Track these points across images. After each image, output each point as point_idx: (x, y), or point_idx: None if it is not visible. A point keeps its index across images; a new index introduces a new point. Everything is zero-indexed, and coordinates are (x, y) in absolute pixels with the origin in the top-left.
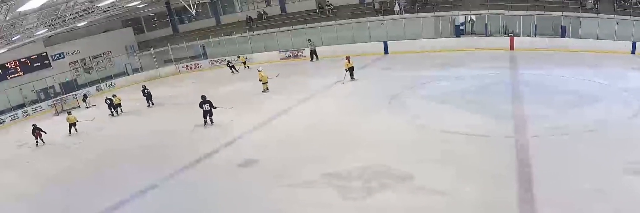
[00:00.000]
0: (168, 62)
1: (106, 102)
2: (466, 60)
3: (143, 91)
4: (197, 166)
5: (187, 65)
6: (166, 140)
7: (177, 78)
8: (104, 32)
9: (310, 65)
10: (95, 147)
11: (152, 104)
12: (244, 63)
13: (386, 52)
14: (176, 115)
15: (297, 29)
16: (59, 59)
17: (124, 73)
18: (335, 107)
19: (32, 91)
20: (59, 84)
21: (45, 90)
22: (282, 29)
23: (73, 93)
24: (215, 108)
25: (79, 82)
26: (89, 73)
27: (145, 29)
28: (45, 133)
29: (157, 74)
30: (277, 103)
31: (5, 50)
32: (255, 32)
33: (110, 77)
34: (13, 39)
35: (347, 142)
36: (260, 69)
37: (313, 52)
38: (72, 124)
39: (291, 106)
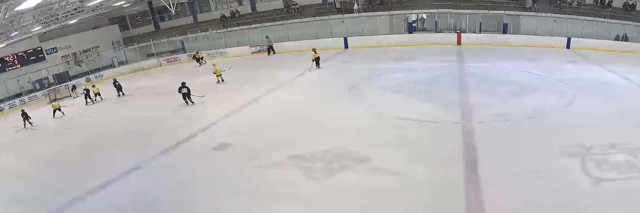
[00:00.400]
0: (150, 55)
1: (83, 92)
2: (418, 54)
3: (114, 83)
4: (176, 149)
5: (167, 59)
6: (149, 126)
7: (158, 70)
8: (93, 28)
9: (277, 59)
10: (84, 132)
11: (123, 94)
12: (200, 59)
13: (346, 46)
14: (158, 103)
15: (266, 26)
16: (52, 53)
17: (111, 65)
18: (300, 97)
19: (28, 82)
20: (53, 76)
21: (40, 81)
22: (252, 26)
23: (65, 83)
24: (191, 95)
25: (71, 73)
26: (80, 65)
27: (129, 26)
28: (30, 118)
29: (140, 67)
30: (248, 93)
31: (4, 45)
32: (229, 29)
33: (98, 69)
34: (11, 35)
35: (311, 127)
36: (214, 63)
37: (270, 48)
38: (57, 109)
39: (261, 95)
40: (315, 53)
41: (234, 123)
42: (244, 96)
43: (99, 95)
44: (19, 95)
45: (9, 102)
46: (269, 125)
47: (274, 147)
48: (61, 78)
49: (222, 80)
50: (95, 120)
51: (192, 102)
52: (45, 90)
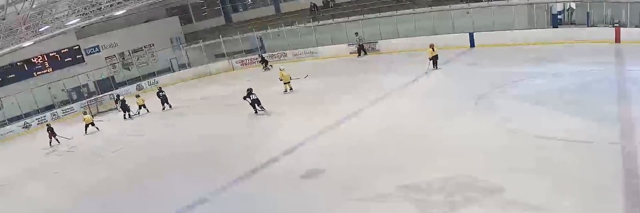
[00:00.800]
0: (220, 56)
1: (116, 105)
2: (565, 55)
3: (158, 94)
4: (253, 177)
5: (242, 61)
6: (217, 147)
7: (230, 75)
8: (145, 22)
9: (383, 61)
10: (134, 154)
11: (170, 106)
12: (266, 63)
13: (472, 45)
14: (229, 118)
15: (369, 18)
16: (93, 53)
17: (169, 69)
18: (412, 109)
19: (62, 90)
20: (94, 82)
21: (77, 89)
22: (351, 18)
23: (109, 92)
24: (260, 104)
25: (117, 79)
26: (129, 69)
27: (193, 18)
28: (56, 135)
29: (207, 71)
30: (346, 104)
31: (32, 42)
32: (321, 22)
33: (152, 74)
34: (40, 29)
35: (427, 148)
36: (282, 67)
37: (361, 47)
38: (89, 124)
39: (362, 107)
40: (433, 50)
41: (327, 143)
42: (341, 108)
43: (144, 107)
44: (50, 107)
45: (38, 117)
46: (372, 145)
47: (379, 173)
48: (105, 85)
49: (291, 89)
50: (148, 139)
51: (263, 109)
52: (84, 101)
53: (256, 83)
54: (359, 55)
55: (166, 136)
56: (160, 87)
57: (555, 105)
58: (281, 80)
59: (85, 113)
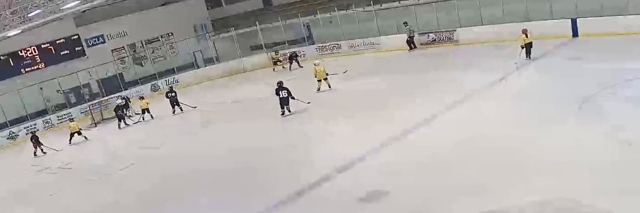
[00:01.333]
0: (257, 49)
1: (116, 110)
2: None
3: (167, 94)
4: (298, 200)
5: (284, 54)
6: (253, 162)
7: (269, 72)
8: (162, 5)
9: (462, 54)
10: (148, 172)
11: (181, 110)
12: (277, 61)
13: (575, 34)
14: (267, 126)
15: (445, 0)
16: (96, 44)
17: (192, 65)
18: (499, 115)
19: (57, 91)
20: (97, 81)
21: (76, 90)
22: (422, 0)
23: (117, 94)
24: (293, 98)
25: (126, 78)
26: (141, 65)
27: (222, 0)
28: (42, 144)
29: (240, 67)
30: (416, 109)
31: (19, 31)
32: (384, 5)
33: (172, 71)
34: (30, 14)
35: (517, 164)
36: (316, 62)
37: (410, 40)
38: (75, 133)
39: (436, 113)
40: (527, 37)
41: (392, 159)
42: (409, 114)
43: (148, 112)
44: (43, 113)
45: (26, 125)
46: (448, 161)
47: (457, 196)
48: (111, 85)
49: (329, 87)
50: (165, 153)
51: (289, 111)
52: (84, 105)
53: (301, 83)
54: (411, 48)
55: (188, 149)
56: (171, 87)
57: None
58: (315, 77)
59: (71, 120)
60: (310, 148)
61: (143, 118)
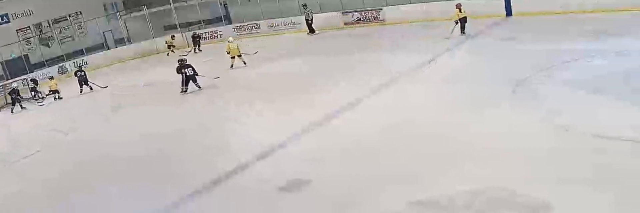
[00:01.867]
0: (170, 29)
1: (11, 94)
2: (633, 27)
3: (76, 73)
4: (215, 190)
5: (199, 35)
6: (166, 149)
7: (183, 53)
8: None
9: (388, 34)
10: (56, 159)
11: (91, 89)
12: (171, 46)
13: (508, 13)
14: (182, 110)
15: None
16: (1, 24)
17: (102, 46)
18: (428, 99)
19: None
20: (1, 63)
21: None
22: None
23: (22, 77)
24: (198, 75)
25: (32, 59)
26: (48, 46)
27: None
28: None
29: (152, 48)
30: (339, 93)
31: None
32: None
33: (80, 52)
34: None
35: (448, 152)
36: (230, 39)
37: (309, 23)
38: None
39: (361, 97)
40: (461, 11)
41: (314, 145)
42: (332, 98)
43: (57, 92)
44: None
45: None
46: (375, 148)
47: (384, 185)
48: (16, 67)
49: (244, 64)
50: (74, 139)
51: (199, 88)
52: None
53: (218, 65)
54: (310, 32)
55: (98, 134)
56: (80, 66)
57: (619, 93)
58: (228, 53)
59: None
60: (227, 134)
61: (43, 98)
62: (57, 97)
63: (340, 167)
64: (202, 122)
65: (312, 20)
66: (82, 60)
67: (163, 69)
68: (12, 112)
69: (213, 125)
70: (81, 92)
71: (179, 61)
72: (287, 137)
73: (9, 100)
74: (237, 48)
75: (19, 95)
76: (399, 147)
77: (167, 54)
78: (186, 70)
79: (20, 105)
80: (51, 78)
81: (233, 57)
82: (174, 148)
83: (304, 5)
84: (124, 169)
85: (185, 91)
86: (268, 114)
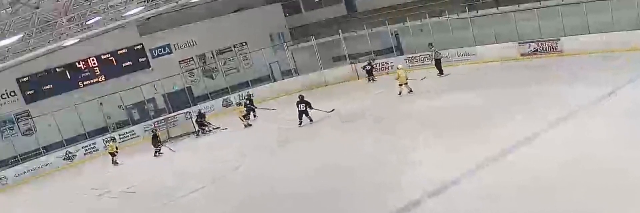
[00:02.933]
0: (339, 60)
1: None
2: None
3: (245, 103)
4: None
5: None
6: (335, 185)
7: (354, 85)
8: (235, 11)
9: (566, 66)
10: (223, 195)
11: (204, 132)
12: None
13: None
14: (352, 145)
15: (548, 6)
16: (162, 54)
17: (268, 77)
18: (609, 133)
19: (119, 107)
20: (163, 96)
21: (140, 105)
22: (522, 6)
23: (186, 110)
24: (312, 109)
25: (195, 92)
26: (212, 78)
27: (302, 6)
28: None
29: (321, 80)
30: (515, 127)
31: (77, 40)
32: (480, 12)
33: (245, 84)
34: (89, 22)
35: (628, 188)
36: (399, 66)
37: (437, 63)
38: (112, 154)
39: (538, 131)
40: None
41: (489, 182)
42: (507, 133)
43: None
44: (102, 130)
45: (84, 144)
46: (552, 184)
47: None
48: (179, 100)
49: (411, 91)
50: (241, 173)
51: (311, 121)
52: (149, 122)
53: (390, 97)
54: (441, 74)
55: (266, 169)
56: (250, 95)
57: None
58: (397, 80)
59: (113, 140)
60: (399, 170)
61: (210, 130)
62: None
63: (516, 204)
64: (371, 157)
65: (440, 60)
66: (247, 92)
67: (334, 102)
68: (197, 135)
69: (383, 160)
70: (196, 134)
71: (299, 96)
72: (461, 173)
73: (180, 132)
74: (405, 75)
75: (204, 119)
76: (578, 183)
77: (369, 80)
78: (300, 106)
79: (202, 130)
80: (239, 104)
81: (400, 85)
82: (343, 184)
83: (430, 44)
84: (291, 207)
85: (300, 124)
86: (439, 149)
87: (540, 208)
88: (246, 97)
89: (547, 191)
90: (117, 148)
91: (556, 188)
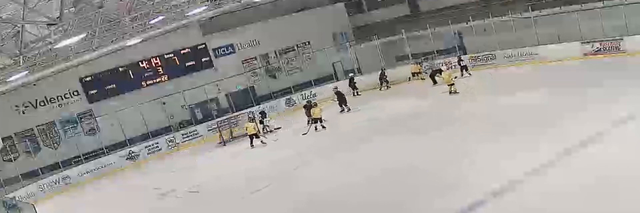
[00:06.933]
0: (402, 59)
1: (259, 120)
2: None
3: (261, 114)
4: None
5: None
6: (399, 184)
7: (416, 86)
8: (298, 11)
9: (629, 65)
10: (283, 195)
11: (348, 109)
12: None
13: None
14: (419, 144)
15: (611, 6)
16: (225, 54)
17: (331, 77)
18: None
19: (182, 107)
20: (226, 95)
21: (203, 105)
22: (585, 6)
23: (249, 109)
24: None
25: (258, 92)
26: (275, 77)
27: (365, 6)
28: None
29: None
30: (582, 125)
31: (140, 40)
32: (544, 11)
33: (308, 84)
34: (152, 21)
35: None
36: (444, 68)
37: (434, 73)
38: (253, 135)
39: (602, 131)
40: None
41: (556, 181)
42: (574, 131)
43: (320, 121)
44: (166, 130)
45: (147, 143)
46: (625, 184)
47: None
48: (242, 100)
49: (456, 92)
50: (310, 172)
51: (324, 127)
52: (212, 122)
53: (455, 96)
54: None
55: (324, 173)
56: (309, 101)
57: None
58: (444, 80)
59: (252, 120)
60: (462, 168)
61: (317, 128)
62: (322, 126)
63: (584, 205)
64: (436, 156)
65: (441, 70)
66: (311, 92)
67: (397, 101)
68: (261, 134)
69: (448, 159)
70: (341, 111)
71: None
72: (525, 172)
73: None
74: (451, 77)
75: (265, 117)
76: None
77: (409, 79)
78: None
79: (265, 130)
80: (316, 105)
81: (450, 85)
82: (406, 183)
83: (419, 63)
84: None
85: (315, 130)
86: (506, 148)
87: (609, 209)
88: (259, 112)
89: (619, 191)
90: (257, 128)
91: (628, 188)
